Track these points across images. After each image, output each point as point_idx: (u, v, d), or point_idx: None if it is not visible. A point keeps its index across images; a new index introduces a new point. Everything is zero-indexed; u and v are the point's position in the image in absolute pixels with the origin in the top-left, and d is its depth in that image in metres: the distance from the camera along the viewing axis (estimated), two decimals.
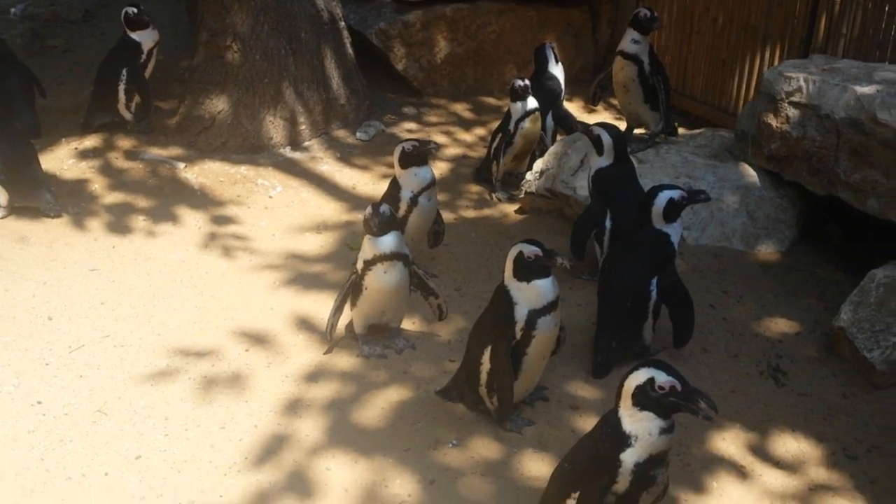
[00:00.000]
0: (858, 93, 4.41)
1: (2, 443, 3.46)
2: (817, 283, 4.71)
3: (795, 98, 4.77)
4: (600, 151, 4.55)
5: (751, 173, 5.18)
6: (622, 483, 2.63)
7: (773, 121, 4.92)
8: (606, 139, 4.52)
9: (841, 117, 4.48)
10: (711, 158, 5.35)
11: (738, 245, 5.02)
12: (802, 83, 4.74)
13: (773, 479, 3.39)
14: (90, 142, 6.11)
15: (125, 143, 6.14)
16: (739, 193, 5.11)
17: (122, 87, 6.11)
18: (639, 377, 2.62)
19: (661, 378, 2.58)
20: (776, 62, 6.00)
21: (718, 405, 3.58)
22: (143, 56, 6.20)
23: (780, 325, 4.33)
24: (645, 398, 2.59)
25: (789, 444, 3.58)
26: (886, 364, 3.85)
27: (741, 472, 3.42)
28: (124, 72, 6.11)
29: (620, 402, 2.66)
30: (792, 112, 4.80)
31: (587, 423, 3.63)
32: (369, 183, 6.04)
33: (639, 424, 2.61)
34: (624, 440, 2.62)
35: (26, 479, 3.28)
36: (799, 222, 5.11)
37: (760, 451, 3.54)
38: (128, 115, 6.22)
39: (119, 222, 5.31)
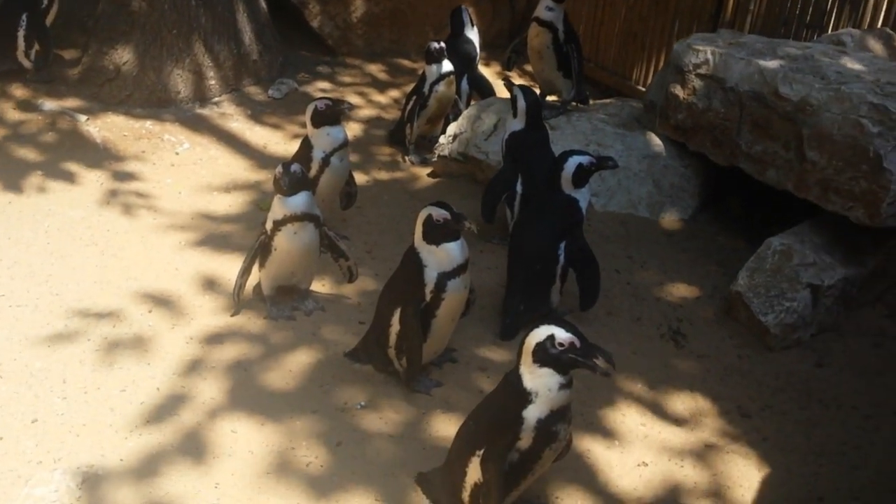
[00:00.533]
0: (762, 66, 4.54)
1: None
2: (718, 250, 4.88)
3: (702, 70, 4.89)
4: (515, 114, 4.59)
5: (658, 143, 5.30)
6: (525, 439, 2.68)
7: (680, 92, 5.04)
8: (521, 103, 4.56)
9: (744, 90, 4.61)
10: (620, 127, 5.45)
11: (644, 212, 5.14)
12: (709, 56, 4.85)
13: (672, 435, 3.53)
14: None
15: (23, 92, 5.86)
16: (646, 162, 5.23)
17: (21, 34, 5.81)
18: (539, 334, 2.65)
19: (561, 335, 2.62)
20: (685, 36, 6.13)
21: (621, 366, 3.74)
22: (45, 1, 5.91)
23: (681, 290, 4.48)
24: (545, 355, 2.63)
25: (687, 403, 3.72)
26: (780, 327, 4.03)
27: (642, 429, 3.53)
28: (24, 17, 5.82)
29: (521, 360, 2.70)
30: (698, 84, 4.92)
31: (495, 384, 3.66)
32: (281, 142, 5.93)
33: (539, 381, 2.65)
34: (525, 397, 2.66)
35: None
36: (702, 191, 5.27)
37: (660, 410, 3.67)
38: (27, 64, 5.93)
39: (15, 176, 5.07)
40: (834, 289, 4.12)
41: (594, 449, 3.41)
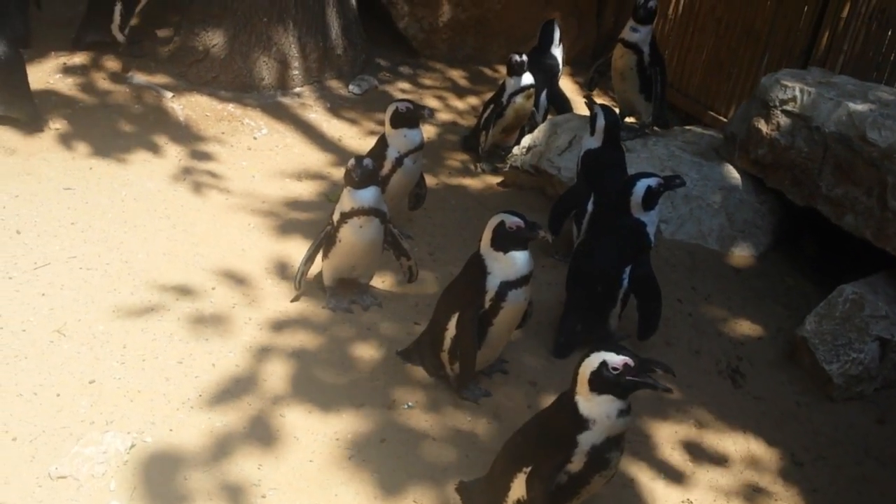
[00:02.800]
0: (851, 109, 4.43)
1: None
2: (786, 290, 4.76)
3: (789, 107, 4.78)
4: (592, 131, 4.56)
5: (734, 175, 5.20)
6: (577, 463, 2.64)
7: (763, 126, 4.94)
8: (601, 121, 4.52)
9: (831, 131, 4.50)
10: (698, 156, 5.36)
11: (713, 244, 5.05)
12: (798, 93, 4.75)
13: (720, 475, 3.45)
14: (79, 59, 5.98)
15: (114, 64, 6.02)
16: (721, 194, 5.14)
17: (118, 8, 5.96)
18: (592, 363, 2.61)
19: (613, 359, 2.58)
20: (773, 70, 6.01)
21: (674, 399, 3.68)
22: None
23: (744, 328, 4.38)
24: (601, 382, 2.60)
25: (739, 444, 3.63)
26: (843, 378, 3.91)
27: (689, 466, 3.46)
28: None
29: (577, 389, 2.66)
30: (783, 120, 4.81)
31: (543, 400, 3.66)
32: (356, 137, 5.99)
33: (597, 409, 2.61)
34: (582, 423, 2.62)
35: None
36: (775, 229, 5.15)
37: (710, 448, 3.59)
38: (120, 37, 6.09)
39: (99, 144, 5.22)
40: None
41: (638, 479, 3.35)
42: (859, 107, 4.43)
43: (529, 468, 2.70)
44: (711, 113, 6.75)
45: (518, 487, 2.75)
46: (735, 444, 3.63)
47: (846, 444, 3.71)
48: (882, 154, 4.20)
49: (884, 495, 3.44)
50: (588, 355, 2.64)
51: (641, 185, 3.95)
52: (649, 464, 3.44)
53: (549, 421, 2.78)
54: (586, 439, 2.62)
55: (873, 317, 3.98)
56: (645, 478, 3.36)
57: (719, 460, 3.54)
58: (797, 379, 4.06)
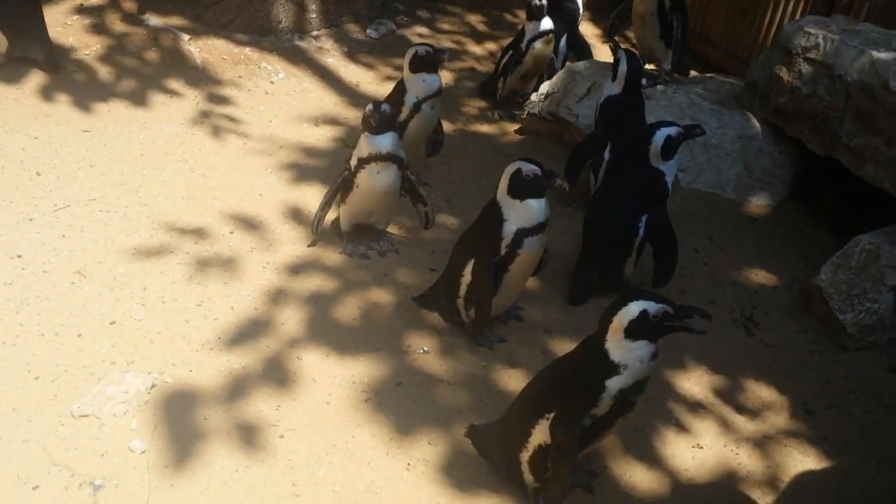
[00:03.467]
0: (875, 57, 4.35)
1: None
2: (802, 241, 4.75)
3: (811, 55, 4.71)
4: (614, 77, 4.51)
5: (754, 124, 5.15)
6: (603, 407, 2.66)
7: (785, 74, 4.87)
8: (623, 67, 4.46)
9: (853, 79, 4.44)
10: (718, 104, 5.30)
11: (731, 194, 5.02)
12: (821, 40, 4.67)
13: (731, 421, 3.49)
14: (95, 0, 5.94)
15: (131, 5, 5.99)
16: (740, 143, 5.09)
17: None
18: (632, 311, 2.60)
19: (654, 308, 2.59)
20: (797, 17, 5.90)
21: (688, 347, 3.70)
22: None
23: (759, 277, 4.39)
24: (640, 329, 2.60)
25: (751, 392, 3.67)
26: (857, 328, 3.92)
27: (701, 412, 3.50)
28: None
29: (608, 336, 2.65)
30: (805, 68, 4.75)
31: (558, 346, 3.70)
32: (373, 82, 5.96)
33: (631, 354, 2.62)
34: (612, 368, 2.63)
35: None
36: (794, 179, 5.12)
37: (722, 394, 3.63)
38: None
39: (116, 86, 5.22)
40: None
41: (651, 424, 3.40)
42: (883, 55, 4.36)
43: (553, 414, 2.73)
44: (733, 60, 6.66)
45: (540, 433, 2.77)
46: (747, 391, 3.67)
47: (858, 392, 3.73)
48: None
49: (893, 444, 3.47)
50: (625, 303, 2.63)
51: (661, 134, 3.92)
52: (661, 409, 3.48)
53: (575, 366, 2.78)
54: (615, 384, 2.64)
55: (889, 266, 3.97)
56: (657, 423, 3.41)
57: (731, 407, 3.57)
58: (811, 328, 4.07)
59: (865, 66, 4.38)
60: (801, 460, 3.35)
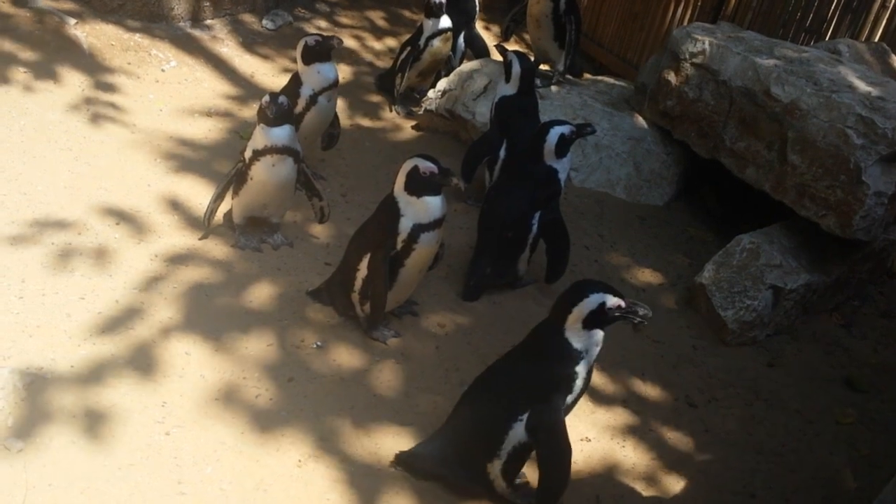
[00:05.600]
0: (757, 64, 4.56)
1: None
2: (687, 240, 4.94)
3: (698, 60, 4.90)
4: (508, 78, 4.58)
5: (643, 126, 5.32)
6: (575, 393, 2.79)
7: (672, 78, 5.05)
8: (516, 68, 4.54)
9: (737, 85, 4.64)
10: (609, 106, 5.45)
11: (621, 193, 5.18)
12: (707, 46, 4.86)
13: (617, 415, 3.59)
14: None
15: None
16: (630, 144, 5.26)
17: None
18: (591, 303, 2.73)
19: (611, 301, 2.73)
20: (685, 23, 6.13)
21: None
22: None
23: (646, 275, 4.53)
24: (596, 320, 2.74)
25: (637, 386, 3.78)
26: (737, 324, 4.10)
27: (588, 405, 3.59)
28: None
29: (567, 325, 2.76)
30: (692, 72, 4.93)
31: (451, 342, 3.73)
32: (269, 73, 5.86)
33: (589, 341, 2.77)
34: (577, 356, 2.76)
35: None
36: (680, 180, 5.31)
37: (608, 388, 3.73)
38: None
39: None
40: (795, 293, 4.19)
41: None
42: (765, 62, 4.57)
43: (526, 415, 2.78)
44: (624, 64, 6.86)
45: (514, 436, 2.80)
46: (632, 385, 3.78)
47: (738, 386, 3.90)
48: (784, 109, 4.35)
49: (771, 436, 3.64)
50: (584, 294, 2.74)
51: (555, 133, 4.01)
52: None
53: (539, 361, 2.83)
54: (581, 369, 2.77)
55: (768, 266, 4.18)
56: None
57: (618, 401, 3.68)
58: (694, 324, 4.24)
59: (748, 73, 4.59)
60: (685, 452, 3.48)
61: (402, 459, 3.04)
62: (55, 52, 5.29)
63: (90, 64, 5.32)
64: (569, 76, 5.70)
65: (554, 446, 2.76)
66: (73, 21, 5.56)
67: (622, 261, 4.61)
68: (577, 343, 2.76)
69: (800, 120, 4.26)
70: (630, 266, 4.57)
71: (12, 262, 3.59)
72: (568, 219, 4.22)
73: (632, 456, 3.40)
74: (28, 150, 4.36)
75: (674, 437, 3.54)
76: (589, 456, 3.35)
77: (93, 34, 5.55)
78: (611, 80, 5.98)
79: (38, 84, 4.98)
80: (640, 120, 5.36)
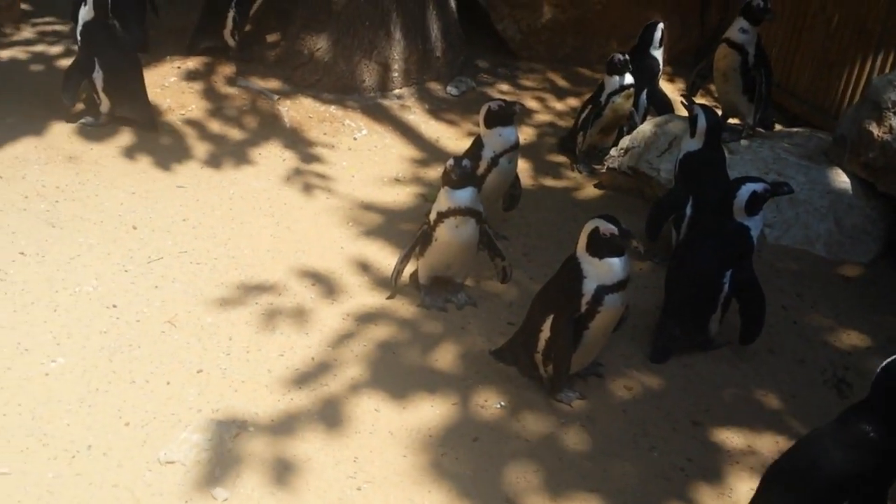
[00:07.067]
0: None
1: (75, 339, 3.64)
2: None
3: None
4: (693, 133, 4.48)
5: (843, 179, 5.02)
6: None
7: (874, 129, 4.75)
8: (702, 122, 4.43)
9: None
10: (805, 159, 5.19)
11: (821, 250, 4.88)
12: None
13: None
14: (192, 63, 6.25)
15: (225, 68, 6.26)
16: (829, 198, 4.96)
17: (231, 15, 6.19)
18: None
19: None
20: (887, 70, 5.76)
21: (778, 409, 3.60)
22: None
23: (851, 337, 4.23)
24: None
25: None
26: None
27: None
28: (235, 0, 6.20)
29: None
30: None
31: (639, 405, 3.63)
32: (453, 138, 6.05)
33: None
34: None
35: (93, 377, 3.45)
36: (886, 235, 4.94)
37: None
38: (232, 42, 6.33)
39: (209, 144, 5.45)
40: None
41: (737, 488, 3.28)
42: None
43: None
44: (820, 114, 6.52)
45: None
46: None
47: None
48: None
49: None
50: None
51: (746, 190, 3.87)
52: (751, 473, 3.35)
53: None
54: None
55: None
56: (744, 488, 3.28)
57: None
58: None
59: None
60: None
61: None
62: (261, 126, 5.74)
63: (290, 135, 5.72)
64: (760, 129, 5.50)
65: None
66: (275, 97, 6.03)
67: (824, 322, 4.33)
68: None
69: None
70: (833, 328, 4.28)
71: (221, 321, 3.88)
72: (763, 278, 4.02)
73: None
74: (236, 216, 4.73)
75: None
76: None
77: (293, 108, 5.98)
78: (806, 132, 5.70)
79: (246, 155, 5.41)
80: (840, 173, 5.05)
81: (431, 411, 3.48)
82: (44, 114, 5.38)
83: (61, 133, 5.26)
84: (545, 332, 3.51)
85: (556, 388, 3.59)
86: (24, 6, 6.92)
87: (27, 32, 6.62)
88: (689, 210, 4.48)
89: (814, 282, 4.64)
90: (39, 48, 6.37)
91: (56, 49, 6.35)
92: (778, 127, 5.94)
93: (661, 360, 3.94)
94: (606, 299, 3.36)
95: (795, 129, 5.85)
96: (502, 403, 3.57)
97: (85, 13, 5.20)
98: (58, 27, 6.64)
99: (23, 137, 5.13)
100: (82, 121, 5.37)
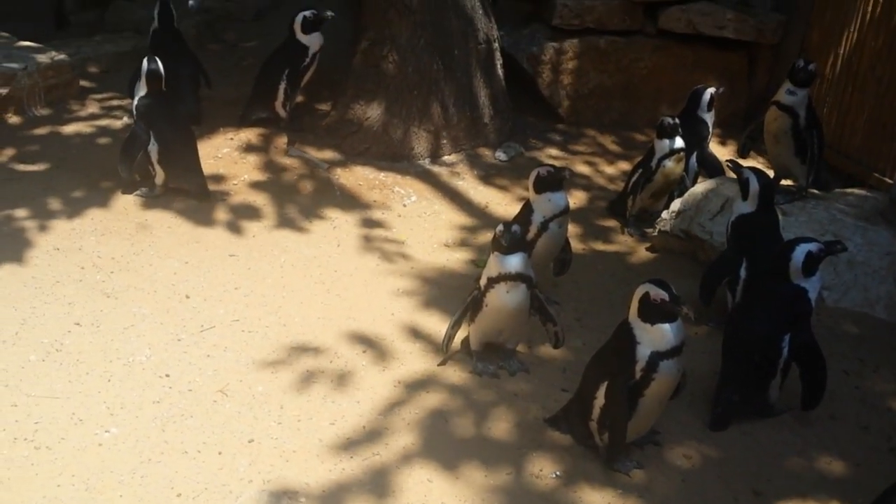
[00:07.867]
0: None
1: (128, 409, 3.67)
2: None
3: None
4: (745, 196, 4.43)
5: None
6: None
7: None
8: (754, 185, 4.39)
9: None
10: (862, 220, 5.09)
11: (881, 313, 4.74)
12: None
13: None
14: (245, 134, 6.40)
15: (277, 139, 6.40)
16: (888, 259, 4.84)
17: (282, 87, 6.36)
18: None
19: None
20: None
21: (843, 478, 3.46)
22: (308, 59, 6.44)
23: None
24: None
25: None
26: None
27: None
28: (286, 72, 6.36)
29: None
30: None
31: (699, 475, 3.53)
32: (503, 203, 6.07)
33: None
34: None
35: (145, 447, 3.46)
36: None
37: None
38: (283, 113, 6.48)
39: (261, 213, 5.54)
40: None
41: None
42: None
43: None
44: (876, 174, 6.41)
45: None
46: None
47: None
48: None
49: None
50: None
51: (801, 251, 3.80)
52: None
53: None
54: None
55: None
56: None
57: None
58: None
59: None
60: None
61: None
62: (312, 195, 5.82)
63: (341, 203, 5.79)
64: (814, 190, 5.42)
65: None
66: (326, 166, 6.13)
67: (887, 387, 4.18)
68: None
69: None
70: None
71: (273, 388, 3.88)
72: (822, 341, 3.91)
73: None
74: (287, 284, 4.77)
75: None
76: None
77: (343, 176, 6.07)
78: (862, 192, 5.59)
79: (297, 223, 5.48)
80: None
81: (485, 482, 3.42)
82: (103, 186, 5.54)
83: (118, 204, 5.40)
84: (599, 400, 3.44)
85: (613, 457, 3.50)
86: (84, 83, 7.17)
87: (92, 108, 6.86)
88: (743, 273, 4.40)
89: (875, 345, 4.51)
90: (104, 122, 6.60)
91: (118, 123, 6.57)
92: (833, 188, 5.85)
93: (721, 427, 3.83)
94: (661, 366, 3.30)
95: (850, 190, 5.75)
96: (558, 473, 3.49)
97: (140, 87, 5.40)
98: (121, 101, 6.87)
99: (80, 209, 5.28)
100: (138, 192, 5.51)
